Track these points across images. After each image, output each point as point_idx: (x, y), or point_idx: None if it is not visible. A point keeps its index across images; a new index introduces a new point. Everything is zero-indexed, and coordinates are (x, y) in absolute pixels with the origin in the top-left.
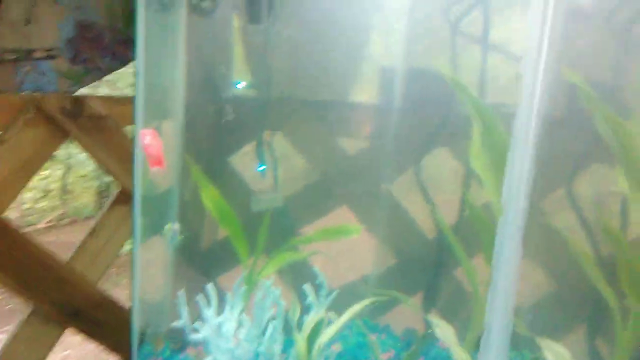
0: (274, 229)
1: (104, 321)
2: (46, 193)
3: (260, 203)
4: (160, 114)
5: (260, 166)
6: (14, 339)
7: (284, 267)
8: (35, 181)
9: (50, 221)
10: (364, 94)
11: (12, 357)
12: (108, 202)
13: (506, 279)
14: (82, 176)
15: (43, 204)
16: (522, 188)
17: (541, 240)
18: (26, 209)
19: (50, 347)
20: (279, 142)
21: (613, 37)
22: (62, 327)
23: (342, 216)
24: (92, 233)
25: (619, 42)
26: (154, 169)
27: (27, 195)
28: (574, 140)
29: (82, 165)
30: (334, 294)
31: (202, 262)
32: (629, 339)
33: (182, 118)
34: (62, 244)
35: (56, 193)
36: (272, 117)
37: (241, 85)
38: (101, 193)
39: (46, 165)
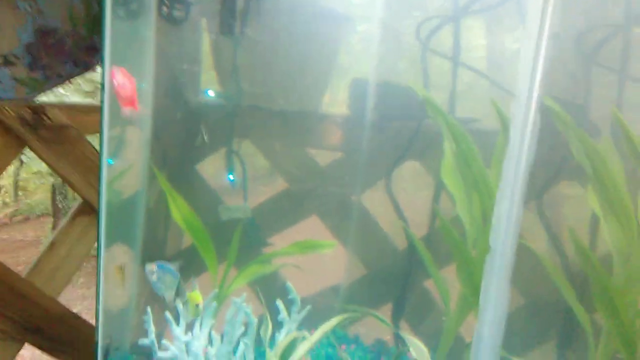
0: (242, 240)
1: (66, 337)
2: None
3: (229, 212)
4: (127, 121)
5: (229, 175)
6: None
7: (254, 281)
8: None
9: (2, 218)
10: (335, 105)
11: None
12: (69, 214)
13: (493, 321)
14: (35, 172)
15: None
16: (512, 224)
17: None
18: None
19: None
20: (249, 152)
21: (583, 59)
22: (21, 343)
23: (311, 226)
24: (52, 246)
25: (588, 65)
26: (127, 109)
27: None
28: (545, 158)
29: (36, 161)
30: (306, 310)
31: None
32: (601, 356)
33: (149, 126)
34: (14, 242)
35: (8, 189)
36: (242, 126)
37: (211, 92)
38: (56, 190)
39: None
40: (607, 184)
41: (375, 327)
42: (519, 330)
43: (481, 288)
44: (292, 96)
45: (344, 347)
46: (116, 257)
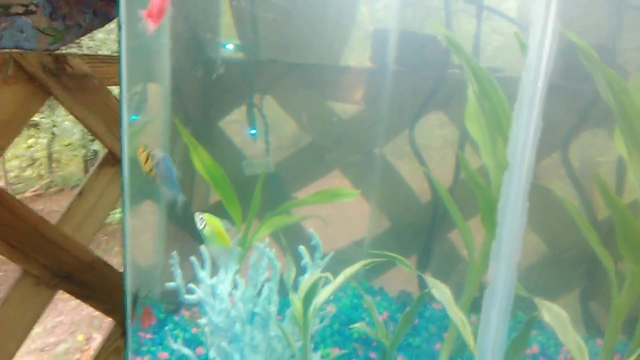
0: (266, 193)
1: (96, 284)
2: (32, 162)
3: (252, 167)
4: (146, 76)
5: (252, 130)
6: (5, 302)
7: (278, 230)
8: (21, 149)
9: (37, 190)
10: (357, 57)
11: (3, 320)
12: (95, 164)
13: (510, 237)
14: (67, 145)
15: (29, 172)
16: (528, 145)
17: (537, 203)
18: (13, 177)
19: (41, 309)
20: (270, 107)
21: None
22: (53, 290)
23: (334, 181)
24: (80, 196)
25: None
26: (148, 22)
27: (14, 164)
28: (570, 105)
29: (68, 133)
30: (329, 256)
31: (193, 226)
32: (624, 301)
33: (169, 81)
34: (50, 213)
35: (42, 162)
36: (262, 80)
37: (230, 46)
38: (88, 161)
39: (31, 133)
40: (634, 122)
41: (400, 279)
42: (545, 279)
43: (496, 231)
44: (312, 49)
45: (369, 298)
46: (140, 211)
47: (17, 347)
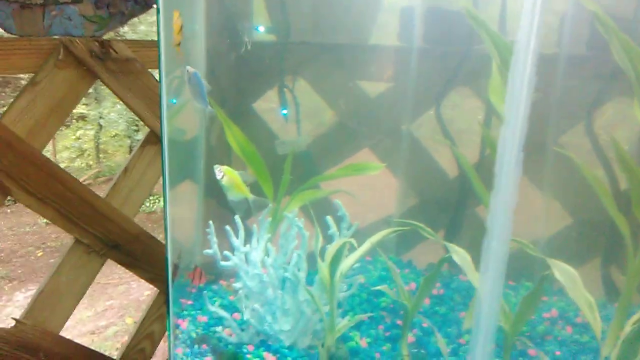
0: (297, 170)
1: (141, 254)
2: (81, 152)
3: (284, 146)
4: (183, 59)
5: (283, 109)
6: (60, 267)
7: (308, 204)
8: (71, 141)
9: (86, 179)
10: (383, 36)
11: (58, 284)
12: (139, 143)
13: (507, 187)
14: (114, 135)
15: (78, 163)
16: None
17: (561, 173)
18: (63, 167)
19: (93, 275)
20: (302, 88)
21: None
22: (103, 258)
23: (363, 159)
24: (125, 172)
25: None
26: None
27: (64, 155)
28: (592, 76)
29: (114, 124)
30: (355, 226)
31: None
32: (639, 265)
33: (204, 65)
34: None
35: (90, 152)
36: (293, 62)
37: (262, 29)
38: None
39: (79, 125)
40: None
41: (428, 254)
42: (568, 247)
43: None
44: (342, 29)
45: (397, 270)
46: (180, 189)
47: (71, 311)
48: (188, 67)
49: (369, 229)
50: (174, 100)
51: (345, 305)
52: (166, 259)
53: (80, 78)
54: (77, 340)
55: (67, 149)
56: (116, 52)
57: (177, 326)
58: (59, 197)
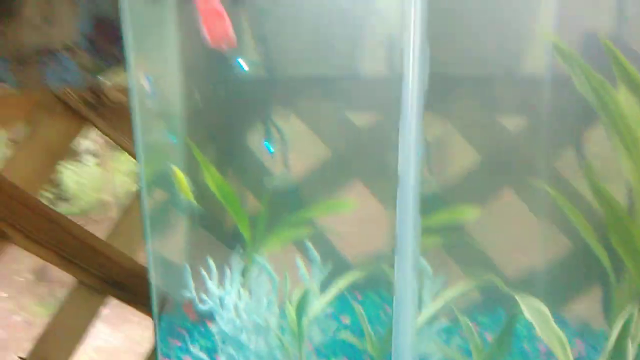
0: (283, 207)
1: (143, 291)
2: None
3: (272, 182)
4: (160, 105)
5: (268, 146)
6: (62, 310)
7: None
8: None
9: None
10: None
11: (61, 325)
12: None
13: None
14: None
15: None
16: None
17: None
18: None
19: (94, 315)
20: (287, 120)
21: None
22: (104, 295)
23: (355, 193)
24: (127, 212)
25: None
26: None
27: None
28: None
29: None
30: (327, 268)
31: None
32: (622, 297)
33: (180, 104)
34: None
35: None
36: (278, 95)
37: (243, 63)
38: None
39: None
40: (616, 118)
41: None
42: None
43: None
44: (321, 60)
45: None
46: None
47: (74, 348)
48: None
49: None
50: (174, 138)
51: (325, 350)
52: (151, 300)
53: (74, 126)
54: None
55: None
56: (109, 99)
57: None
58: (57, 239)
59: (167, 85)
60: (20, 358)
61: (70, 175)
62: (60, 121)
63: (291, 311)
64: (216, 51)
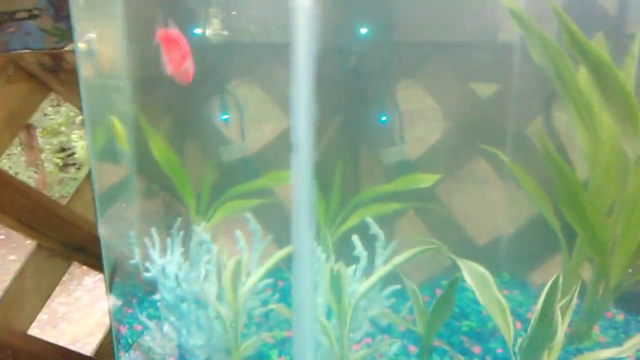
0: (239, 178)
1: None
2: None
3: (228, 152)
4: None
5: (224, 114)
6: (23, 271)
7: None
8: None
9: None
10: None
11: (21, 287)
12: None
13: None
14: None
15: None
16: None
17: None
18: None
19: (58, 278)
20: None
21: None
22: (69, 261)
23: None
24: (87, 178)
25: None
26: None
27: None
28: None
29: None
30: (268, 239)
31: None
32: (573, 264)
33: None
34: None
35: None
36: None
37: (197, 31)
38: None
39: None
40: (570, 87)
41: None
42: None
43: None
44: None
45: None
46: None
47: (37, 312)
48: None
49: None
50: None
51: (268, 321)
52: (103, 265)
53: (33, 91)
54: None
55: None
56: (69, 64)
57: (118, 332)
58: (16, 205)
59: (113, 51)
60: None
61: (81, 142)
62: (19, 87)
63: (227, 281)
64: (165, 15)
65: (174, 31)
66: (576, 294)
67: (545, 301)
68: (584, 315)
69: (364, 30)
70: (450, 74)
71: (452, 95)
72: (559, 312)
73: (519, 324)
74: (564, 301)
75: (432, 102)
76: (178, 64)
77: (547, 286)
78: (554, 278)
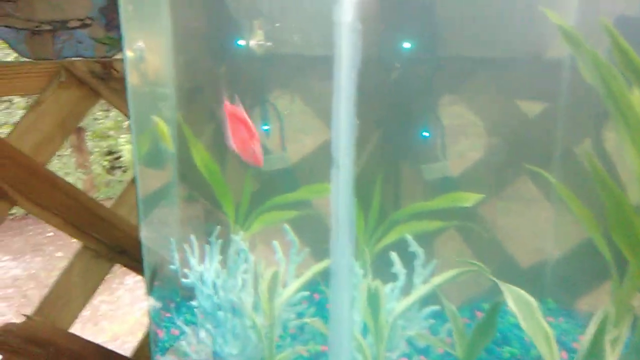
0: (279, 188)
1: None
2: None
3: (269, 163)
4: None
5: (264, 125)
6: (68, 271)
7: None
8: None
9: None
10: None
11: (66, 286)
12: None
13: None
14: None
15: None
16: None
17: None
18: None
19: (101, 278)
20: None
21: None
22: (111, 262)
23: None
24: (132, 182)
25: None
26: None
27: None
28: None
29: None
30: (305, 252)
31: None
32: (624, 294)
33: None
34: None
35: None
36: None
37: (242, 42)
38: None
39: None
40: (622, 107)
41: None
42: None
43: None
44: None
45: None
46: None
47: (80, 311)
48: None
49: None
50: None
51: (303, 334)
52: (144, 269)
53: (83, 97)
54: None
55: None
56: (118, 72)
57: (156, 335)
58: (63, 206)
59: (160, 60)
60: (25, 315)
61: (128, 146)
62: (70, 93)
63: (264, 292)
64: (211, 27)
65: (241, 110)
66: (627, 326)
67: (594, 334)
68: (635, 349)
69: (407, 45)
70: (495, 90)
71: (496, 111)
72: (608, 347)
73: (564, 354)
74: (613, 334)
75: (476, 118)
76: (245, 145)
77: (596, 317)
78: (603, 309)
